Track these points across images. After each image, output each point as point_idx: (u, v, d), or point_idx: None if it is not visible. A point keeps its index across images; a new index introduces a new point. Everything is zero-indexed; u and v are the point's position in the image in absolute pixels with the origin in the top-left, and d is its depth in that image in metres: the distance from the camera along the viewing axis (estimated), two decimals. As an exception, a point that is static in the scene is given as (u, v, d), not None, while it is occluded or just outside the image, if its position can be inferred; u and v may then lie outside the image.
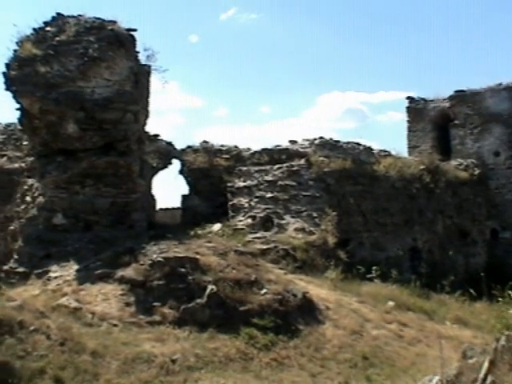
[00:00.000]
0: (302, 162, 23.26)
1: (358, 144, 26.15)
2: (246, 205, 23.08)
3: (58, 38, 19.02)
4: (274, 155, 25.27)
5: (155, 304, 13.44)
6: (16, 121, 20.69)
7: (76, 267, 15.90)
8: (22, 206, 20.77)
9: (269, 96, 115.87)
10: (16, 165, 23.86)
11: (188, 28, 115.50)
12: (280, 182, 22.79)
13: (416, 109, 34.24)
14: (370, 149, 26.37)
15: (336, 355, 12.99)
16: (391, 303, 17.13)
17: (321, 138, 25.52)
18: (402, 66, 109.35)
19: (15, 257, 18.13)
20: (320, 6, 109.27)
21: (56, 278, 15.56)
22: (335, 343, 13.54)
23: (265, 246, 19.71)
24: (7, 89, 18.66)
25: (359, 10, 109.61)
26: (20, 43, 19.12)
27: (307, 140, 25.57)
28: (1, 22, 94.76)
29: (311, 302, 15.08)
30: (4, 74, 18.69)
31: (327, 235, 20.42)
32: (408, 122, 34.64)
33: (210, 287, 13.63)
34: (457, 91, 32.49)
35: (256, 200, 22.93)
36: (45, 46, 18.89)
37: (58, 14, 19.79)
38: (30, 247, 17.96)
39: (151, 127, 24.30)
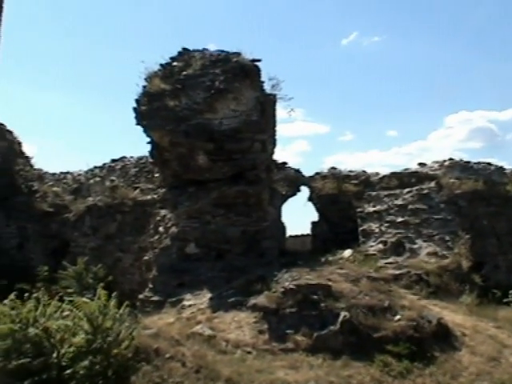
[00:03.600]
0: (433, 184, 22.92)
1: (490, 164, 25.55)
2: (377, 230, 22.86)
3: (184, 73, 19.59)
4: (404, 179, 25.02)
5: (288, 331, 13.38)
6: (147, 154, 21.42)
7: (209, 295, 16.17)
8: (156, 237, 21.28)
9: (395, 119, 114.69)
10: (148, 196, 24.63)
11: (311, 55, 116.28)
12: (410, 206, 22.52)
13: (549, 125, 33.06)
14: (502, 169, 25.70)
15: (473, 383, 12.56)
16: (530, 328, 16.46)
17: (450, 159, 25.14)
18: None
19: (150, 286, 18.60)
20: (442, 24, 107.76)
21: (190, 306, 15.85)
22: (472, 370, 13.04)
23: (397, 272, 19.40)
24: (138, 123, 19.40)
25: (483, 28, 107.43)
26: (149, 79, 19.84)
27: (437, 162, 25.25)
28: (130, 60, 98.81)
29: (446, 328, 14.63)
30: (135, 109, 19.44)
31: (461, 259, 19.92)
32: (541, 139, 33.49)
33: (342, 314, 13.47)
34: None
35: (387, 225, 22.71)
36: (172, 81, 19.50)
37: (184, 49, 20.41)
38: (164, 276, 18.41)
39: (279, 155, 24.51)
